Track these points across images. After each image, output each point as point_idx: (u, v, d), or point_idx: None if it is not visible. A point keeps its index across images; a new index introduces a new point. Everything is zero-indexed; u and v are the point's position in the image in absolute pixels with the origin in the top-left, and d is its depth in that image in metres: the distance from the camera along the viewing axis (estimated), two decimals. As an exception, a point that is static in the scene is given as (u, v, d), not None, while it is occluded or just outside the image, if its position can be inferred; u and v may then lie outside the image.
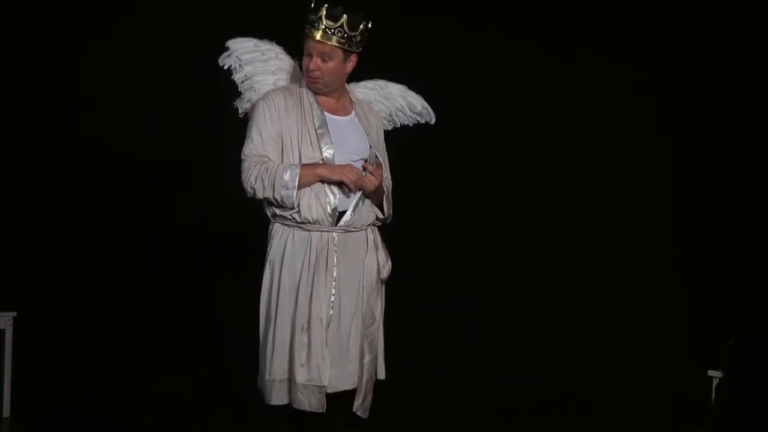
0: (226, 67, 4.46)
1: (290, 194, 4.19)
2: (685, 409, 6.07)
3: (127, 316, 6.59)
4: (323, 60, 4.29)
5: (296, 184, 4.19)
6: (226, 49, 4.47)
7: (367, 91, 4.64)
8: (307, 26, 4.28)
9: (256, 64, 4.46)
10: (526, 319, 6.88)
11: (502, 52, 6.99)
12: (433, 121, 4.75)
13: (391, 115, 4.71)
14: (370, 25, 4.34)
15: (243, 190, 4.28)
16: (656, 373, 6.64)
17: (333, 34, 4.25)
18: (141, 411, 6.01)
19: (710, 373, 5.00)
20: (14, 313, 5.85)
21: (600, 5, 6.99)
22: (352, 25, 4.28)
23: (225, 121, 4.66)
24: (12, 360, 5.83)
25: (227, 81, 4.48)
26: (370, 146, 4.40)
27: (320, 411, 4.22)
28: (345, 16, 4.25)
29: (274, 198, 4.22)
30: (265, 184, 4.21)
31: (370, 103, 4.60)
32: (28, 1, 6.47)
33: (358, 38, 4.31)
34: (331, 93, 4.38)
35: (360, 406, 4.33)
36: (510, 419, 6.16)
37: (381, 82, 4.69)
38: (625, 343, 6.79)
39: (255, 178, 4.22)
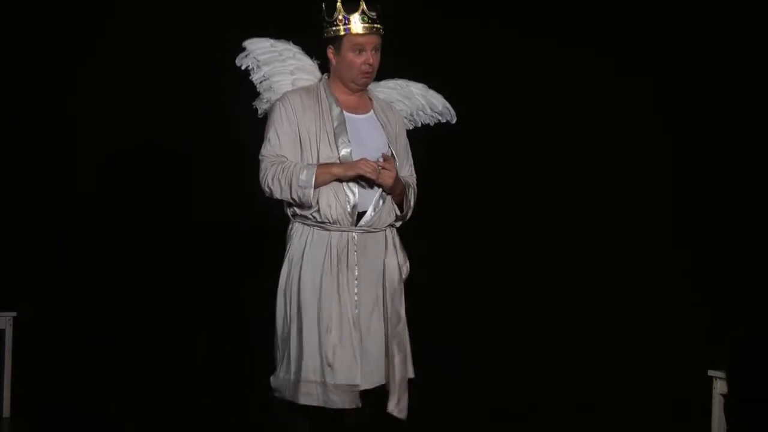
0: (243, 68, 4.43)
1: (307, 194, 4.16)
2: (685, 409, 6.06)
3: (127, 315, 6.59)
4: (375, 52, 4.27)
5: (312, 183, 4.15)
6: (243, 49, 4.44)
7: (388, 90, 4.59)
8: (351, 22, 4.22)
9: (274, 64, 4.42)
10: (527, 319, 6.88)
11: (513, 51, 7.01)
12: (454, 121, 4.68)
13: (412, 115, 4.64)
14: None
15: (260, 190, 4.25)
16: (656, 373, 6.63)
17: (380, 24, 4.25)
18: (141, 411, 6.01)
19: (710, 373, 4.99)
20: (14, 313, 5.86)
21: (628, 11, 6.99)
22: (381, 12, 4.27)
23: (239, 120, 4.64)
24: (12, 360, 5.83)
25: (245, 79, 4.46)
26: (389, 144, 4.34)
27: (356, 407, 4.16)
28: (379, 5, 4.25)
29: (292, 198, 4.20)
30: (282, 184, 4.19)
31: (392, 102, 4.55)
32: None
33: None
34: (361, 90, 4.35)
35: (396, 406, 4.26)
36: (510, 419, 6.16)
37: (401, 82, 4.63)
38: (625, 343, 6.79)
39: (272, 179, 4.20)
